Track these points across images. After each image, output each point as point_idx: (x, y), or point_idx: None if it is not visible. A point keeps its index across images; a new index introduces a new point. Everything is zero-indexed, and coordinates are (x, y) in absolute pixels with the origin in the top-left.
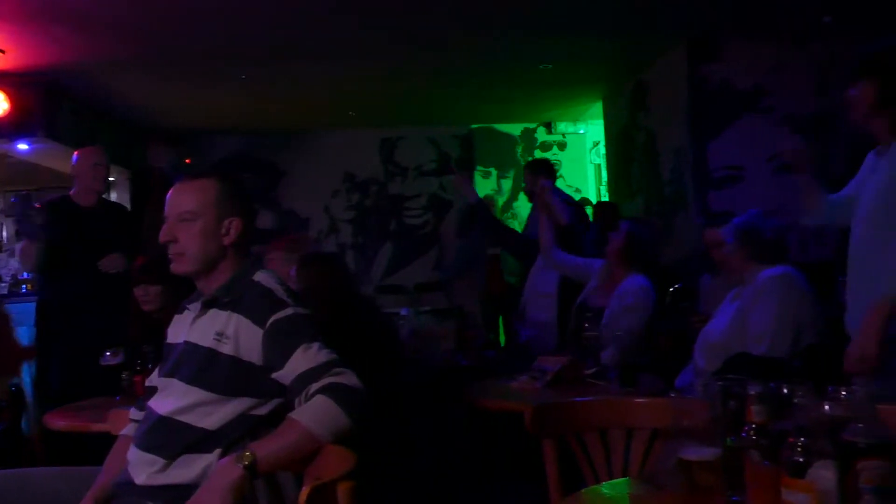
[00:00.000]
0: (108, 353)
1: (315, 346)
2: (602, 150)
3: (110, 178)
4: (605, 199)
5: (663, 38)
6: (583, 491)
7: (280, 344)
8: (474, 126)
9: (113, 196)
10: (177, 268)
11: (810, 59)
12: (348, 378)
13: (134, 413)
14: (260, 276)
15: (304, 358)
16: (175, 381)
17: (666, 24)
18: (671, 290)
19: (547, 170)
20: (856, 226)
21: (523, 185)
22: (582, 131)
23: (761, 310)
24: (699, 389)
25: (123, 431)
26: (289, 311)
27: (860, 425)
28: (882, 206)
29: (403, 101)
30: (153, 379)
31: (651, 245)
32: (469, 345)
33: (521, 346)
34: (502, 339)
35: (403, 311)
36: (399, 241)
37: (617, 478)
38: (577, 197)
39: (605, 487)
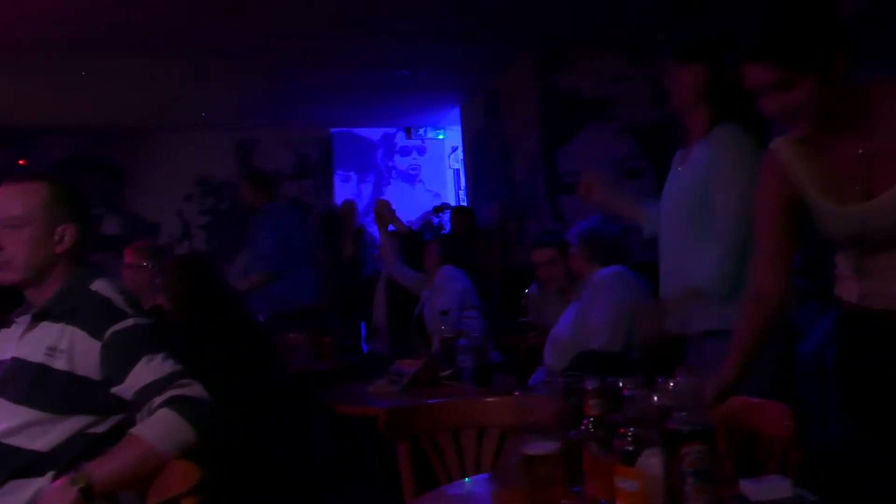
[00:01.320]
0: None
1: (158, 357)
2: (461, 155)
3: None
4: (464, 203)
5: (514, 48)
6: (432, 491)
7: (120, 357)
8: (334, 130)
9: None
10: (2, 278)
11: (647, 72)
12: (194, 389)
13: None
14: (98, 285)
15: (146, 370)
16: (1, 400)
17: (516, 35)
18: (526, 291)
19: (267, 185)
20: (661, 232)
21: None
22: (441, 137)
23: (598, 306)
24: (544, 386)
25: None
26: (129, 321)
27: (683, 414)
28: (680, 212)
29: (260, 102)
30: None
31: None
32: (326, 350)
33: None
34: (364, 344)
35: (260, 317)
36: None
37: (471, 476)
38: (436, 201)
39: (455, 487)
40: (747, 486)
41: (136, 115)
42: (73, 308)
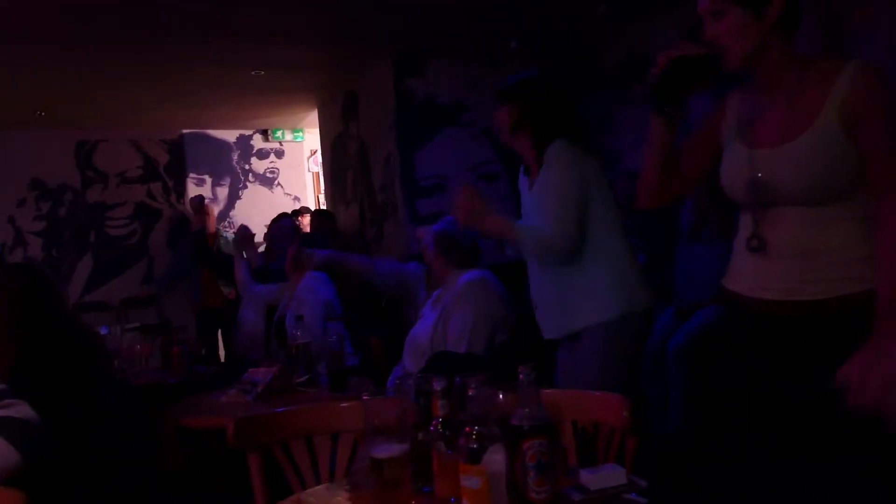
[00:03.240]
0: None
1: None
2: (320, 158)
3: None
4: (323, 207)
5: (371, 51)
6: (285, 500)
7: None
8: (185, 130)
9: None
10: None
11: (501, 79)
12: (19, 410)
13: None
14: None
15: None
16: None
17: (373, 38)
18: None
19: None
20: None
21: None
22: (300, 139)
23: (460, 313)
24: (394, 389)
25: None
26: None
27: (525, 410)
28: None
29: (102, 101)
30: None
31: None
32: (175, 361)
33: (239, 359)
34: (223, 353)
35: (103, 330)
36: (101, 254)
37: (325, 483)
38: (295, 205)
39: (308, 494)
40: (586, 476)
41: None
42: None
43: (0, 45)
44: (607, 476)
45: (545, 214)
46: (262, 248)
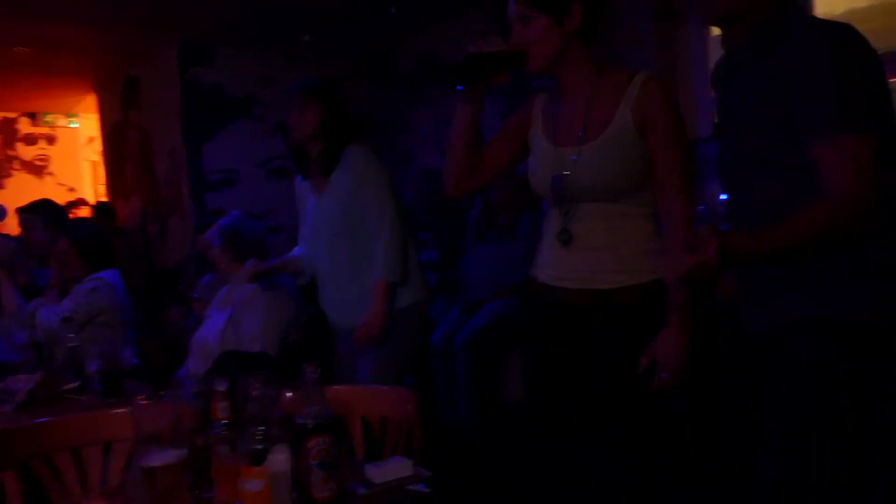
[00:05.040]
0: None
1: None
2: (98, 146)
3: None
4: (103, 199)
5: (154, 35)
6: None
7: None
8: None
9: None
10: None
11: (296, 73)
12: None
13: None
14: None
15: None
16: None
17: (156, 22)
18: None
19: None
20: (319, 255)
21: None
22: (75, 125)
23: (252, 314)
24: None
25: None
26: None
27: (310, 408)
28: (338, 231)
29: None
30: None
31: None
32: None
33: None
34: None
35: None
36: None
37: (96, 498)
38: (70, 196)
39: None
40: (372, 470)
41: None
42: None
43: None
44: (393, 469)
45: (376, 223)
46: None
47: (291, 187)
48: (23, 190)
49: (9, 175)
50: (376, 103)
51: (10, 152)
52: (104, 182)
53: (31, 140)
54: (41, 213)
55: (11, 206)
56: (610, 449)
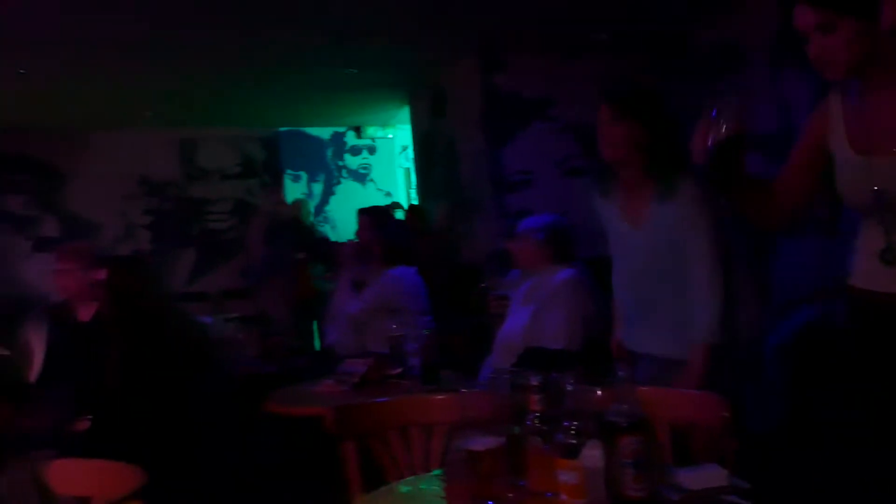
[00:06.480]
0: None
1: None
2: (411, 154)
3: None
4: (415, 202)
5: (457, 47)
6: (381, 489)
7: None
8: (281, 129)
9: None
10: None
11: (588, 72)
12: None
13: None
14: None
15: None
16: None
17: (458, 34)
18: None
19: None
20: (626, 265)
21: None
22: (391, 136)
23: (556, 311)
24: (489, 383)
25: None
26: None
27: (622, 406)
28: (652, 269)
29: (203, 101)
30: None
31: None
32: (274, 351)
33: (329, 349)
34: (317, 344)
35: (207, 319)
36: (202, 247)
37: (419, 474)
38: (387, 200)
39: (401, 485)
40: (684, 475)
41: (75, 114)
42: None
43: (115, 53)
44: (707, 476)
45: (696, 274)
46: None
47: (586, 187)
48: (349, 195)
49: (338, 183)
50: (673, 96)
51: (339, 162)
52: (415, 186)
53: (356, 151)
54: (370, 214)
55: (340, 211)
56: None
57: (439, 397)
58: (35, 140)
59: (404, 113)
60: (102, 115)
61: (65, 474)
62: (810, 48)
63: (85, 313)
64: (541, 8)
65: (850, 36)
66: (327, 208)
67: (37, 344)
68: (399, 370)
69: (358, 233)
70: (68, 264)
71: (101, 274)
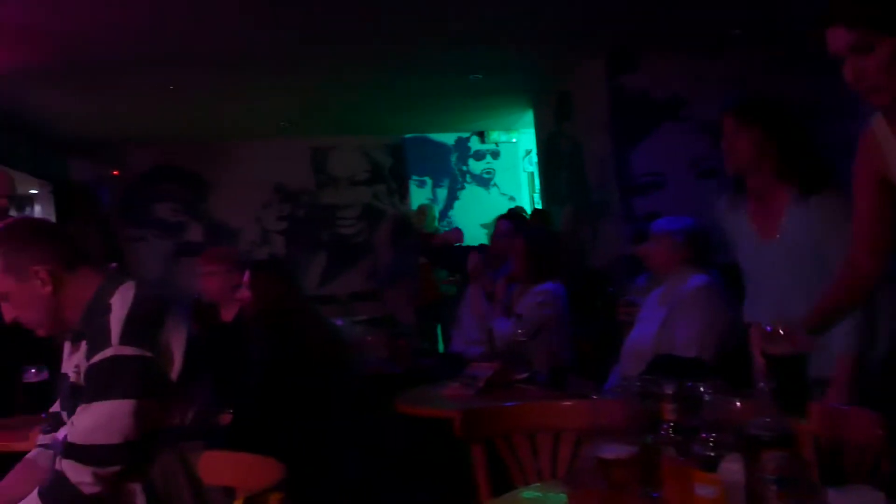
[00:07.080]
0: (32, 370)
1: (108, 405)
2: (534, 158)
3: (33, 192)
4: (539, 206)
5: (583, 49)
6: (507, 494)
7: (87, 390)
8: (407, 135)
9: (36, 210)
10: (41, 335)
11: (723, 70)
12: (77, 473)
13: (42, 438)
14: (115, 298)
15: (79, 418)
16: (64, 413)
17: (585, 36)
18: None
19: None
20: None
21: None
22: (514, 140)
23: (689, 319)
24: (620, 390)
25: (30, 455)
26: (108, 352)
27: (766, 419)
28: (793, 279)
29: (334, 111)
30: (57, 405)
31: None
32: (401, 353)
33: (454, 354)
34: (441, 347)
35: (339, 322)
36: (332, 251)
37: (546, 480)
38: (511, 205)
39: (527, 491)
40: (835, 496)
41: (218, 127)
42: (90, 322)
43: (253, 69)
44: (861, 499)
45: None
46: None
47: (721, 189)
48: (473, 200)
49: (462, 187)
50: (813, 90)
51: (463, 167)
52: (539, 190)
53: (479, 156)
54: (511, 220)
55: (464, 216)
56: None
57: (569, 403)
58: (182, 151)
59: (528, 117)
60: (242, 127)
61: (212, 465)
62: (846, 71)
63: (228, 314)
64: (674, 6)
65: (888, 56)
66: (451, 213)
67: (177, 344)
68: (525, 375)
69: (493, 239)
70: (214, 267)
71: (245, 277)
